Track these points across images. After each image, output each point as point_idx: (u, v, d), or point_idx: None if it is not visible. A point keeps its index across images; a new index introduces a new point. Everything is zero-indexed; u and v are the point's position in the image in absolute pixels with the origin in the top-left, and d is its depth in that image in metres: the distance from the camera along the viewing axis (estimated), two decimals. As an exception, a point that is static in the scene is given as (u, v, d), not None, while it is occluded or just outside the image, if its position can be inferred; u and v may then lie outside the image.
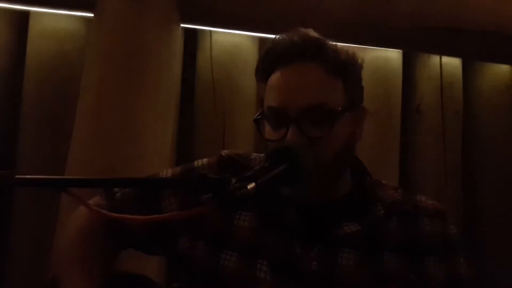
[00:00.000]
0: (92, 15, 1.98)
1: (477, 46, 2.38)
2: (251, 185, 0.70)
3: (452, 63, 2.67)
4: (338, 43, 0.99)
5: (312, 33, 0.99)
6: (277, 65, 0.97)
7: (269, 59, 0.99)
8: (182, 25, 2.09)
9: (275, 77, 0.97)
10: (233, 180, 0.71)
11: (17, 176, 0.68)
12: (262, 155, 1.07)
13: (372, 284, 0.93)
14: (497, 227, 2.63)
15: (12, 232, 2.09)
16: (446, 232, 1.00)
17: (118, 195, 1.06)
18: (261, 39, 2.40)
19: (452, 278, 0.98)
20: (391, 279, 0.94)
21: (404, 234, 0.97)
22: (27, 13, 2.14)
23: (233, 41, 2.35)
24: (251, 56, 2.39)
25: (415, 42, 2.37)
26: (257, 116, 0.98)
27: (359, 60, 1.00)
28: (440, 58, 2.61)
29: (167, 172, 1.09)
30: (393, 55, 2.54)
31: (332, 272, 0.93)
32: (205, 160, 1.08)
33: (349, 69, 0.97)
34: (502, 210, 2.64)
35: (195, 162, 1.09)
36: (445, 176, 2.58)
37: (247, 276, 0.94)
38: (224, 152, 1.08)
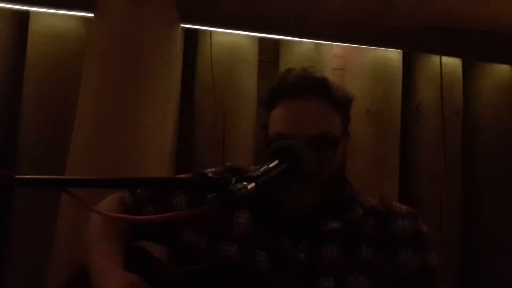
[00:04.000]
0: (92, 15, 1.98)
1: (477, 46, 2.38)
2: (251, 185, 0.71)
3: (452, 63, 2.67)
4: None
5: (319, 74, 1.15)
6: (285, 97, 1.11)
7: (279, 91, 1.13)
8: (182, 25, 2.09)
9: (283, 107, 1.11)
10: (233, 180, 0.72)
11: (17, 176, 0.68)
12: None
13: (351, 272, 1.08)
14: (497, 226, 2.63)
15: (12, 232, 2.09)
16: (417, 229, 1.14)
17: (138, 191, 1.21)
18: (261, 39, 2.40)
19: (424, 268, 1.12)
20: (368, 267, 1.09)
21: (379, 230, 1.13)
22: (27, 13, 2.14)
23: (233, 41, 2.35)
24: (251, 56, 2.39)
25: (415, 42, 2.37)
26: (266, 141, 1.12)
27: (351, 98, 1.18)
28: (440, 58, 2.61)
29: (180, 177, 1.19)
30: (393, 55, 2.55)
31: (317, 263, 1.08)
32: (213, 169, 1.23)
33: (344, 104, 1.15)
34: (502, 209, 2.65)
35: (205, 170, 1.22)
36: (445, 176, 2.58)
37: (248, 264, 1.09)
38: (229, 164, 1.24)
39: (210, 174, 1.17)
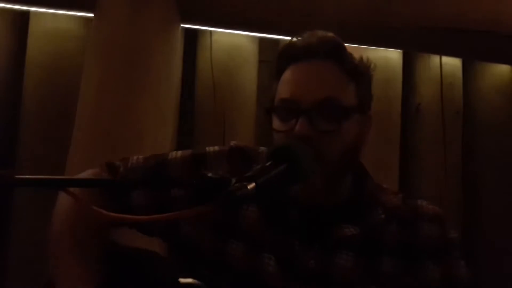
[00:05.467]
0: (92, 15, 1.98)
1: (477, 46, 2.38)
2: (251, 185, 0.71)
3: (452, 63, 2.67)
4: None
5: (330, 34, 1.01)
6: (292, 62, 0.98)
7: (285, 55, 1.00)
8: (182, 25, 2.09)
9: (289, 72, 0.98)
10: (233, 180, 0.72)
11: (17, 176, 0.68)
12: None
13: (367, 285, 0.95)
14: (497, 227, 2.63)
15: (12, 232, 2.09)
16: (445, 236, 1.01)
17: (121, 169, 1.05)
18: (261, 39, 2.40)
19: (450, 281, 0.99)
20: (387, 281, 0.96)
21: (402, 239, 0.99)
22: (27, 13, 2.14)
23: (233, 41, 2.35)
24: (251, 56, 2.39)
25: (415, 42, 2.37)
26: (268, 107, 0.99)
27: (372, 67, 1.03)
28: (440, 58, 2.61)
29: (177, 153, 1.08)
30: (393, 55, 2.54)
31: (329, 271, 0.95)
32: (216, 147, 1.09)
33: (362, 73, 1.00)
34: (502, 209, 2.65)
35: (207, 148, 1.09)
36: (445, 176, 2.58)
37: (255, 267, 0.97)
38: (233, 143, 1.10)
39: (214, 149, 1.08)
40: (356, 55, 1.03)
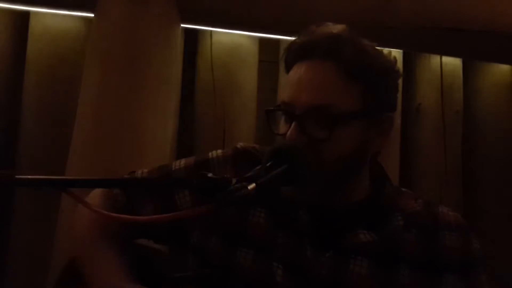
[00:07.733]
0: (92, 15, 1.98)
1: (477, 46, 2.38)
2: (251, 186, 0.71)
3: (452, 63, 2.67)
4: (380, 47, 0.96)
5: (337, 29, 0.94)
6: (296, 60, 0.93)
7: (289, 53, 0.96)
8: (182, 25, 2.09)
9: (293, 71, 0.93)
10: (234, 180, 0.72)
11: (17, 176, 0.68)
12: None
13: None
14: (497, 227, 2.63)
15: (12, 232, 2.09)
16: (467, 248, 0.96)
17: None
18: (261, 39, 2.40)
19: None
20: None
21: (422, 248, 0.93)
22: (27, 13, 2.14)
23: (233, 41, 2.35)
24: (251, 56, 2.39)
25: (415, 42, 2.37)
26: (270, 108, 0.96)
27: (394, 67, 0.97)
28: (440, 58, 2.61)
29: (180, 163, 1.06)
30: (393, 55, 2.54)
31: (342, 279, 0.91)
32: (219, 151, 1.05)
33: (373, 72, 0.91)
34: (502, 210, 2.64)
35: (209, 154, 1.05)
36: (445, 176, 2.58)
37: (265, 277, 0.93)
38: (240, 145, 1.05)
39: (217, 154, 1.04)
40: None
